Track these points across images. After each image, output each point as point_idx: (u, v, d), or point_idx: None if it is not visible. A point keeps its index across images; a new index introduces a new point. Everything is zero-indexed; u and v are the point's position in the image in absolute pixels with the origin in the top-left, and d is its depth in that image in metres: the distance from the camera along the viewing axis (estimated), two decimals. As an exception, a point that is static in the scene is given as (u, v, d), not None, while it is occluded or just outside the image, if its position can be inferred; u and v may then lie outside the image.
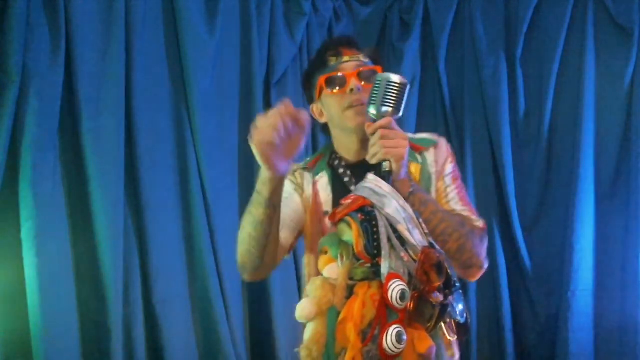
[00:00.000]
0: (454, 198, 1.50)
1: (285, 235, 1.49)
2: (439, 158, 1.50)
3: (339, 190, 1.48)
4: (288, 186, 1.52)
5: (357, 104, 1.43)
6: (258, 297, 2.68)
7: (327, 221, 1.44)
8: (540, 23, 2.87)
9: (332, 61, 1.49)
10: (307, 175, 1.54)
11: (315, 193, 1.51)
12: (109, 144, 2.31)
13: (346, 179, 1.49)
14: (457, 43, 2.98)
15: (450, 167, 1.52)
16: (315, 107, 1.57)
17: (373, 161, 1.28)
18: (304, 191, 1.52)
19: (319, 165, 1.54)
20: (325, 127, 1.58)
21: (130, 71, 2.38)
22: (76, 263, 2.28)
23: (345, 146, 1.52)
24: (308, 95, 1.59)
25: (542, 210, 2.93)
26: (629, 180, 2.75)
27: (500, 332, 2.89)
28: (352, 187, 1.43)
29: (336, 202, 1.43)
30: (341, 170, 1.51)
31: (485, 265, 1.42)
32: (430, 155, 1.50)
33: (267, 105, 2.74)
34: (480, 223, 1.46)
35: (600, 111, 2.79)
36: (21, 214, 2.14)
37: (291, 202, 1.51)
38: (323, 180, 1.51)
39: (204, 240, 2.52)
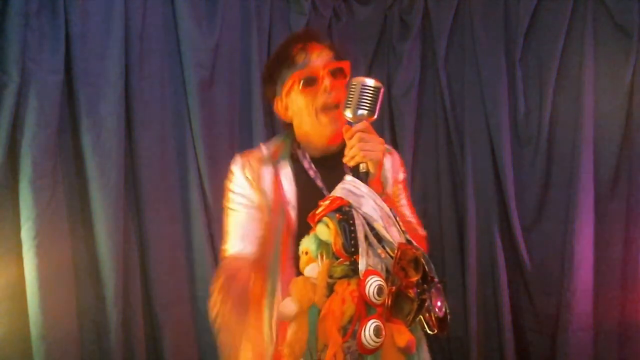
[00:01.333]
0: (405, 205, 1.60)
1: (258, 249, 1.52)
2: (394, 166, 1.59)
3: (303, 183, 1.50)
4: (246, 189, 1.52)
5: (332, 105, 1.46)
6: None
7: (292, 215, 1.47)
8: (540, 23, 2.87)
9: (300, 58, 1.49)
10: (265, 168, 1.53)
11: (278, 184, 1.51)
12: (109, 144, 2.31)
13: (312, 173, 1.51)
14: (457, 43, 2.98)
15: (402, 176, 1.61)
16: (279, 104, 1.56)
17: (351, 164, 1.31)
18: (260, 186, 1.52)
19: (281, 155, 1.54)
20: (287, 124, 1.58)
21: (130, 71, 2.38)
22: (76, 263, 2.28)
23: (311, 143, 1.54)
24: (270, 89, 1.58)
25: (542, 210, 2.93)
26: (629, 180, 2.75)
27: (500, 332, 2.88)
28: (319, 182, 1.48)
29: (301, 196, 1.48)
30: (306, 165, 1.52)
31: None
32: (387, 161, 1.56)
33: (267, 105, 2.74)
34: (422, 232, 1.57)
35: (600, 111, 2.78)
36: (21, 214, 2.14)
37: (253, 212, 1.52)
38: (286, 171, 1.51)
39: (204, 241, 2.52)
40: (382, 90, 1.33)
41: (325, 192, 1.47)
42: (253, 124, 2.68)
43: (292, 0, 2.80)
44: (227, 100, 2.66)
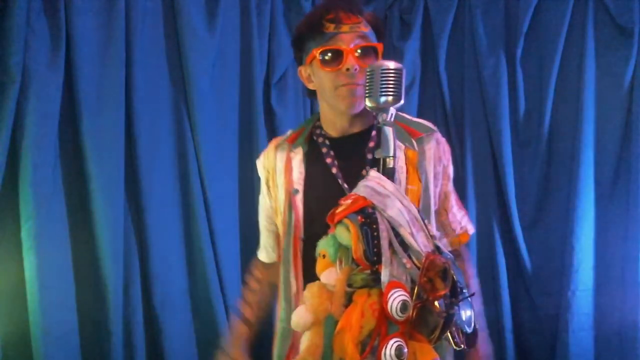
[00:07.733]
0: (454, 205, 1.47)
1: (273, 243, 1.57)
2: (442, 156, 1.42)
3: (313, 167, 1.42)
4: (263, 179, 1.53)
5: (352, 85, 1.34)
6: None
7: (298, 200, 1.39)
8: (540, 23, 2.86)
9: (330, 28, 1.34)
10: (280, 153, 1.47)
11: (289, 170, 1.44)
12: (109, 144, 2.31)
13: (328, 160, 1.41)
14: (457, 43, 2.97)
15: (452, 168, 1.45)
16: (303, 71, 1.46)
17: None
18: (274, 176, 1.48)
19: (298, 140, 1.46)
20: (311, 92, 1.48)
21: (130, 71, 2.38)
22: (76, 263, 2.28)
23: (331, 121, 1.44)
24: (298, 56, 1.47)
25: (542, 210, 2.93)
26: (629, 181, 2.75)
27: (500, 333, 2.88)
28: (334, 170, 1.39)
29: (308, 181, 1.41)
30: (324, 149, 1.43)
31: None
32: (429, 149, 1.39)
33: (267, 105, 2.74)
34: (469, 228, 1.50)
35: (600, 111, 2.78)
36: (21, 214, 2.14)
37: (269, 209, 1.54)
38: (297, 157, 1.44)
39: (204, 240, 2.52)
40: (404, 71, 1.17)
41: (340, 181, 1.36)
42: (253, 124, 2.68)
43: (292, 0, 2.80)
44: (227, 100, 2.66)
